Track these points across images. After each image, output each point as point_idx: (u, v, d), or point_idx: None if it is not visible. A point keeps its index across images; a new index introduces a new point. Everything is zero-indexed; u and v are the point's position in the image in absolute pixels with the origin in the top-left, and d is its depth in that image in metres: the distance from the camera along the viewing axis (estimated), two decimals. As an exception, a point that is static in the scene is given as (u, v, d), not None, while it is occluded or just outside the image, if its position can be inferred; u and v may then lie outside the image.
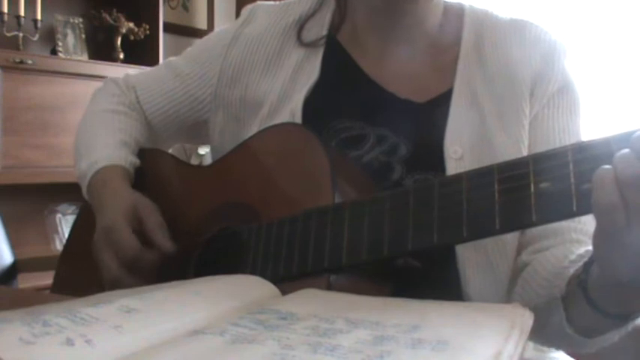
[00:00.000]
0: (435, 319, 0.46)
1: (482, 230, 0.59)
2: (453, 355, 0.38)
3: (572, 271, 0.66)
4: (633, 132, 0.51)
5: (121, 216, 0.78)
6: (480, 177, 0.59)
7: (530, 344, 0.85)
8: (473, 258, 0.75)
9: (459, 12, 0.89)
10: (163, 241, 0.76)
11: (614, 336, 0.67)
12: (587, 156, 0.54)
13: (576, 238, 0.74)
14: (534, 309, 0.71)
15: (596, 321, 0.62)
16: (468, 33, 0.86)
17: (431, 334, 0.41)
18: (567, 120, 0.82)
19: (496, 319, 0.44)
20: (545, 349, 0.87)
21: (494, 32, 0.85)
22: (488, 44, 0.85)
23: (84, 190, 0.90)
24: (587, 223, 0.58)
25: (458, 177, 0.61)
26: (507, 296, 0.77)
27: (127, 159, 0.89)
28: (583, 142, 0.55)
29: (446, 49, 0.86)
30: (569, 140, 0.81)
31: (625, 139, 0.51)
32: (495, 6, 0.91)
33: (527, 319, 0.44)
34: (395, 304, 0.52)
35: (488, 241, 0.75)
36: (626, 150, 0.50)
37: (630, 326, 0.65)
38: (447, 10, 0.88)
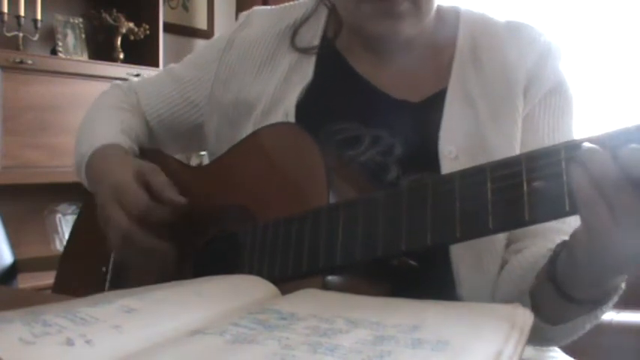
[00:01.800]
0: (435, 319, 0.46)
1: (475, 230, 0.58)
2: (453, 355, 0.38)
3: (543, 263, 0.67)
4: (629, 129, 0.51)
5: (129, 176, 0.78)
6: (473, 176, 0.59)
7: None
8: (466, 259, 0.76)
9: (455, 15, 0.89)
10: (173, 196, 0.77)
11: (583, 324, 0.67)
12: None
13: (559, 239, 0.74)
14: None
15: (561, 306, 0.63)
16: (463, 35, 0.86)
17: (431, 334, 0.41)
18: (558, 120, 0.83)
19: (496, 319, 0.44)
20: (544, 348, 0.87)
21: (489, 35, 0.86)
22: (483, 46, 0.85)
23: (82, 169, 0.89)
24: (573, 225, 0.58)
25: (451, 176, 0.61)
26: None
27: (126, 143, 0.90)
28: (576, 140, 0.55)
29: (441, 51, 0.87)
30: (559, 140, 0.81)
31: (618, 137, 0.51)
32: (491, 7, 0.91)
33: (527, 319, 0.44)
34: (395, 304, 0.52)
35: (481, 241, 0.75)
36: (597, 148, 0.51)
37: (600, 315, 0.65)
38: (443, 13, 0.88)
